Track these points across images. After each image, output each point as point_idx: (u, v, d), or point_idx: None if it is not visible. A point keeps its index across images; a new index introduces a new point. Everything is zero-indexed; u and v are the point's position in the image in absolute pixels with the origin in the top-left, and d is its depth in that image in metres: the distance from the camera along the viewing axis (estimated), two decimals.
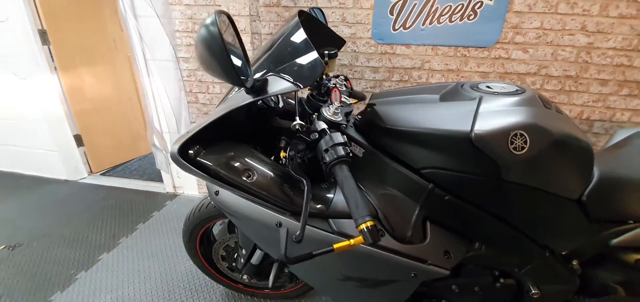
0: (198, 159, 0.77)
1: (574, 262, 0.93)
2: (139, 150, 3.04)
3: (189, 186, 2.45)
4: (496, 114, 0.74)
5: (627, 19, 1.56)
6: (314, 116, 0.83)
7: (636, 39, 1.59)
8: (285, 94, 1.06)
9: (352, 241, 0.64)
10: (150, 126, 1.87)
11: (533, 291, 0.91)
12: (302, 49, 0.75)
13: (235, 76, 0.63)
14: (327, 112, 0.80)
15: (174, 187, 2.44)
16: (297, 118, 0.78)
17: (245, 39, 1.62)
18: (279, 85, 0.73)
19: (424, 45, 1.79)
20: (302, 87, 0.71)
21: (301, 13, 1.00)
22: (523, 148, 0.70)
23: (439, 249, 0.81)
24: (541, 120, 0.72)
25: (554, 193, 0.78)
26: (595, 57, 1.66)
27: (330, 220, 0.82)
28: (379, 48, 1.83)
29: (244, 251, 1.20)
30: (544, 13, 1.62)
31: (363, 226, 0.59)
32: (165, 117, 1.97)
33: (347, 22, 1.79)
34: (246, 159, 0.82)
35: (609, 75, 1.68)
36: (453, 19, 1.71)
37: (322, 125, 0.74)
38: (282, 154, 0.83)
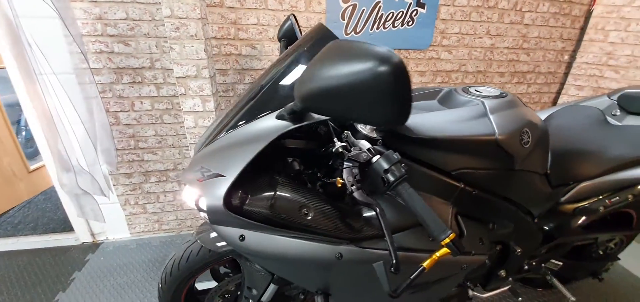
0: (245, 207, 0.68)
1: (535, 220, 1.18)
2: (17, 195, 2.24)
3: (114, 229, 1.96)
4: (505, 117, 0.86)
5: (515, 25, 2.03)
6: (345, 134, 0.77)
7: (521, 40, 2.09)
8: None
9: (437, 255, 0.64)
10: (58, 160, 1.39)
11: (518, 250, 1.11)
12: None
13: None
14: (364, 128, 0.77)
15: (92, 234, 1.91)
16: (337, 140, 0.73)
17: (198, 47, 1.38)
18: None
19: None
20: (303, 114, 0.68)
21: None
22: (528, 142, 0.85)
23: (475, 238, 0.90)
24: (534, 118, 0.89)
25: (537, 172, 0.97)
26: (496, 55, 2.10)
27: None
28: None
29: (254, 292, 1.05)
30: (461, 20, 1.95)
31: (447, 240, 0.59)
32: (80, 146, 1.50)
33: (300, 25, 1.74)
34: (298, 195, 0.74)
35: (505, 69, 2.16)
36: (395, 25, 1.88)
37: (366, 144, 0.71)
38: (339, 181, 0.75)
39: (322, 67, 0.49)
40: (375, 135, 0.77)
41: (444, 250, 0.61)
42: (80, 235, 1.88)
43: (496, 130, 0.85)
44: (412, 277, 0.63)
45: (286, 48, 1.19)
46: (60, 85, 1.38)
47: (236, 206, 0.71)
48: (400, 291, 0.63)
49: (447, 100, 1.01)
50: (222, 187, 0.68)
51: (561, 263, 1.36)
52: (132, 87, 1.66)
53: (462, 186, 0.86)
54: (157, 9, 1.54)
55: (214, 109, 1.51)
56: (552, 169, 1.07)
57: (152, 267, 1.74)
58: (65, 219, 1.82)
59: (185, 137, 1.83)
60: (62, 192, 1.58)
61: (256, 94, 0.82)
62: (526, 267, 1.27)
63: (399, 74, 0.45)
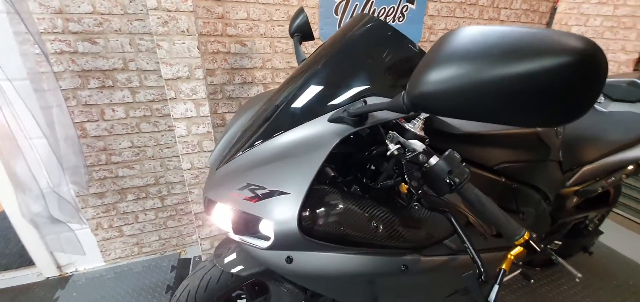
0: (317, 228, 0.61)
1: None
2: None
3: (85, 258, 1.67)
4: None
5: (493, 21, 2.14)
6: (392, 135, 0.71)
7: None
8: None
9: (512, 254, 0.61)
10: (17, 182, 1.13)
11: (534, 235, 1.15)
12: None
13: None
14: (414, 127, 0.72)
15: (58, 266, 1.61)
16: (391, 143, 0.66)
17: (191, 44, 1.22)
18: (384, 113, 0.63)
19: None
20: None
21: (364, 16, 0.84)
22: (561, 133, 0.87)
23: None
24: None
25: (558, 160, 1.01)
26: None
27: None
28: None
29: None
30: (447, 17, 2.00)
31: (522, 240, 0.57)
32: (44, 166, 1.24)
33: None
34: (366, 206, 0.67)
35: None
36: (387, 21, 1.86)
37: (419, 144, 0.65)
38: (404, 187, 0.68)
39: (464, 59, 0.38)
40: (423, 133, 0.72)
41: (519, 249, 0.59)
42: (43, 269, 1.57)
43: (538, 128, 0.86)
44: (498, 282, 0.60)
45: (300, 43, 1.09)
46: (15, 92, 1.12)
47: (307, 227, 0.62)
48: (495, 298, 0.59)
49: None
50: (292, 207, 0.60)
51: (561, 242, 1.45)
52: (102, 92, 1.42)
53: (503, 180, 0.86)
54: (131, 1, 1.33)
55: (208, 114, 1.35)
56: (563, 156, 1.12)
57: (136, 297, 1.52)
58: (21, 252, 1.52)
59: (170, 147, 1.62)
60: (22, 220, 1.29)
61: (300, 94, 0.73)
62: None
63: (602, 61, 0.33)
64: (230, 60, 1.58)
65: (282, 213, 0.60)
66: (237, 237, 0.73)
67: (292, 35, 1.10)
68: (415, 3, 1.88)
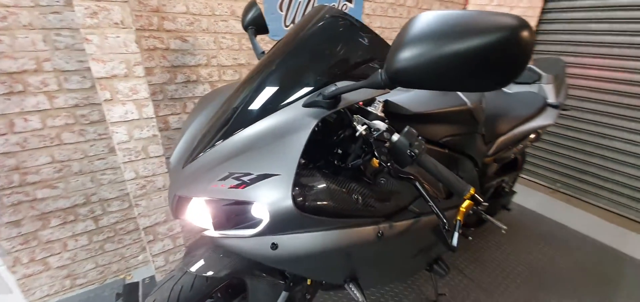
0: (307, 204, 0.64)
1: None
2: None
3: None
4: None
5: None
6: (357, 117, 0.77)
7: None
8: None
9: (463, 207, 0.71)
10: None
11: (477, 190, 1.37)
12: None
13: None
14: (375, 110, 0.80)
15: None
16: (359, 125, 0.72)
17: (127, 37, 1.09)
18: (357, 94, 0.68)
19: None
20: (391, 90, 0.67)
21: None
22: (484, 110, 1.05)
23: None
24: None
25: (482, 133, 1.21)
26: None
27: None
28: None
29: None
30: (381, 16, 2.19)
31: (470, 194, 0.69)
32: None
33: (237, 15, 1.60)
34: (345, 184, 0.72)
35: None
36: None
37: (382, 124, 0.72)
38: (375, 162, 0.74)
39: (428, 39, 0.45)
40: (382, 114, 0.80)
41: (468, 202, 0.70)
42: None
43: (467, 101, 1.02)
44: (457, 230, 0.70)
45: (255, 36, 1.08)
46: None
47: (299, 204, 0.64)
48: (457, 242, 0.68)
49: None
50: (284, 185, 0.61)
51: (487, 203, 1.72)
52: (9, 99, 1.18)
53: (446, 151, 1.00)
54: None
55: (153, 115, 1.23)
56: (485, 130, 1.34)
57: None
58: None
59: (102, 159, 1.42)
60: None
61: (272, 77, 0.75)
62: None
63: (530, 34, 0.42)
64: (170, 58, 1.46)
65: (274, 193, 0.61)
66: (217, 233, 0.70)
67: (245, 28, 1.09)
68: (353, 2, 2.01)
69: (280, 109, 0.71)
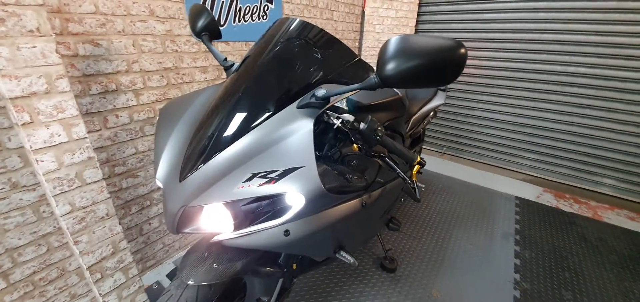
0: (328, 186, 0.77)
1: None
2: None
3: None
4: None
5: (330, 21, 2.67)
6: (330, 113, 0.92)
7: (334, 31, 2.77)
8: None
9: (415, 171, 0.96)
10: None
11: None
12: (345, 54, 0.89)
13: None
14: (342, 105, 0.97)
15: None
16: (335, 119, 0.87)
17: (45, 47, 0.92)
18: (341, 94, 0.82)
19: (239, 41, 1.93)
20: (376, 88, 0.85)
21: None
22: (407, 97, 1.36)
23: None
24: None
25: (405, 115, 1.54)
26: None
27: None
28: (202, 46, 1.72)
29: (266, 299, 0.99)
30: (298, 15, 2.35)
31: (418, 160, 0.94)
32: None
33: (157, 16, 1.49)
34: (339, 166, 0.86)
35: None
36: (253, 18, 1.99)
37: (351, 116, 0.88)
38: (355, 146, 0.89)
39: (409, 54, 0.63)
40: (346, 108, 0.99)
41: (417, 167, 0.95)
42: None
43: (399, 92, 1.29)
44: (415, 186, 0.94)
45: (210, 41, 1.08)
46: None
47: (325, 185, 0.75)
48: (420, 196, 0.93)
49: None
50: (312, 173, 0.71)
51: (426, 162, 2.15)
52: None
53: (389, 132, 1.25)
54: None
55: (86, 135, 1.07)
56: (406, 112, 1.68)
57: None
58: None
59: (3, 198, 1.14)
60: None
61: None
62: None
63: (464, 50, 0.64)
64: (80, 66, 1.25)
65: (306, 181, 0.71)
66: (235, 234, 0.75)
67: (198, 35, 1.07)
68: (273, 3, 2.10)
69: (275, 114, 0.79)
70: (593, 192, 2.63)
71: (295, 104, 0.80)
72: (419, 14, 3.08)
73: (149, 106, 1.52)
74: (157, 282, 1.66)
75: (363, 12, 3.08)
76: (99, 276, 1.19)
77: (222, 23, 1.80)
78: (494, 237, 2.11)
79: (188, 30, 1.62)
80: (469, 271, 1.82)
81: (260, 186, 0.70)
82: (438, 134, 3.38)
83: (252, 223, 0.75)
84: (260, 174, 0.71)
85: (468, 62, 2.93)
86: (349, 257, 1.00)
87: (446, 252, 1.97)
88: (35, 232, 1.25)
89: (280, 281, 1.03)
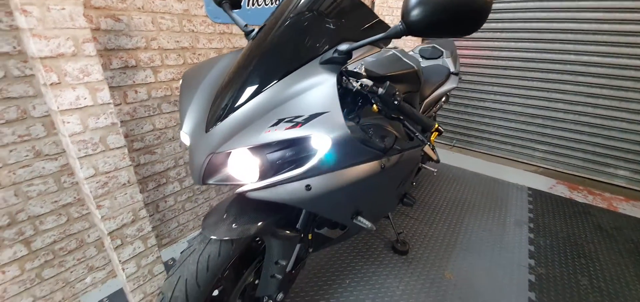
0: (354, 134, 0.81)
1: None
2: None
3: None
4: (410, 58, 1.35)
5: None
6: (349, 77, 0.94)
7: None
8: None
9: (433, 138, 0.97)
10: None
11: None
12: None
13: None
14: (360, 69, 0.99)
15: None
16: (355, 82, 0.89)
17: (73, 10, 0.95)
18: (362, 49, 0.82)
19: (254, 25, 1.95)
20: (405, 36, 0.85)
21: None
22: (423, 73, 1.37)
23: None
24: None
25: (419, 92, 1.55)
26: None
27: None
28: (217, 28, 1.74)
29: (283, 262, 1.00)
30: None
31: (436, 127, 0.95)
32: None
33: None
34: (371, 131, 0.90)
35: None
36: (267, 2, 2.01)
37: (370, 81, 0.90)
38: (375, 107, 0.89)
39: (430, 2, 0.62)
40: (365, 74, 1.00)
41: (436, 133, 0.96)
42: None
43: (414, 65, 1.29)
44: (434, 150, 0.95)
45: (231, 10, 1.10)
46: None
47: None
48: (438, 156, 0.94)
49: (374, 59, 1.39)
50: (337, 117, 0.72)
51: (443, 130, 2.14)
52: None
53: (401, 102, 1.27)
54: None
55: (110, 101, 1.09)
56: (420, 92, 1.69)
57: None
58: None
59: (27, 166, 1.17)
60: None
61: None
62: None
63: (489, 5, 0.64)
64: (102, 39, 1.28)
65: (332, 124, 0.72)
66: (261, 183, 0.76)
67: (219, 4, 1.09)
68: None
69: (297, 69, 0.81)
70: (607, 184, 2.59)
71: (317, 60, 0.81)
72: None
73: (167, 84, 1.54)
74: (173, 259, 1.68)
75: (373, 3, 3.09)
76: (119, 242, 1.20)
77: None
78: (506, 225, 2.10)
79: (204, 11, 1.64)
80: (482, 255, 1.81)
81: (286, 129, 0.71)
82: (447, 126, 3.37)
83: (276, 174, 0.77)
84: (287, 119, 0.72)
85: (477, 53, 2.94)
86: (367, 222, 1.00)
87: (458, 237, 1.95)
88: (56, 201, 1.27)
89: (298, 246, 1.04)
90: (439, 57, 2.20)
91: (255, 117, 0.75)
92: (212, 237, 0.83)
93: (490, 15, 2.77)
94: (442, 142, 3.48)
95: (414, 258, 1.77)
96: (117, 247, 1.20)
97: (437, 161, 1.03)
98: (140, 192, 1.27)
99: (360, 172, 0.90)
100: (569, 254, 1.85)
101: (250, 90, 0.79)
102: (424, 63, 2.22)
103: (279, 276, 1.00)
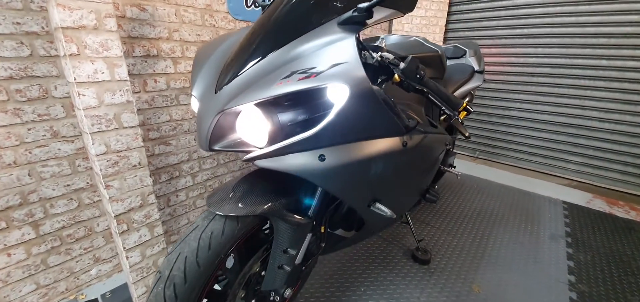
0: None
1: None
2: None
3: None
4: (433, 44, 1.28)
5: None
6: (369, 52, 0.89)
7: None
8: None
9: (462, 116, 0.89)
10: None
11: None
12: None
13: None
14: (383, 44, 0.93)
15: None
16: (374, 54, 0.83)
17: None
18: (383, 12, 0.77)
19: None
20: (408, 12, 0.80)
21: None
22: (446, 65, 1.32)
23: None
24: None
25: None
26: None
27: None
28: (238, 24, 1.76)
29: (292, 251, 0.91)
30: None
31: (464, 105, 0.87)
32: None
33: None
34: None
35: None
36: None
37: (390, 55, 0.85)
38: (397, 77, 0.83)
39: None
40: (386, 48, 0.94)
41: (464, 112, 0.88)
42: None
43: (438, 49, 1.23)
44: (463, 124, 0.87)
45: None
46: None
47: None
48: (469, 135, 0.85)
49: (395, 40, 1.33)
50: (355, 66, 0.66)
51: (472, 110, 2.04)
52: None
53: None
54: None
55: (127, 77, 1.08)
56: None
57: None
58: None
59: (43, 146, 1.16)
60: None
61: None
62: None
63: None
64: (127, 27, 1.30)
65: (350, 73, 0.66)
66: (269, 148, 0.71)
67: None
68: None
69: (314, 29, 0.76)
70: None
71: (335, 20, 0.76)
72: (449, 13, 3.05)
73: (186, 76, 1.55)
74: None
75: None
76: (125, 227, 1.16)
77: (259, 3, 1.85)
78: (541, 238, 1.91)
79: (226, 7, 1.67)
80: (513, 268, 1.64)
81: (299, 80, 0.65)
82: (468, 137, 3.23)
83: (286, 138, 0.70)
84: (301, 70, 0.66)
85: (501, 59, 2.84)
86: (386, 209, 0.91)
87: (486, 248, 1.79)
88: (68, 185, 1.25)
89: (309, 236, 0.94)
90: (461, 57, 2.13)
91: (268, 72, 0.70)
92: (218, 212, 0.77)
93: (515, 21, 2.69)
94: (465, 153, 3.32)
95: (436, 268, 1.62)
96: (122, 232, 1.15)
97: (468, 137, 0.94)
98: (153, 184, 1.24)
99: (380, 147, 0.82)
100: (614, 271, 1.64)
101: (264, 49, 0.75)
102: (448, 61, 2.15)
103: (288, 268, 0.91)
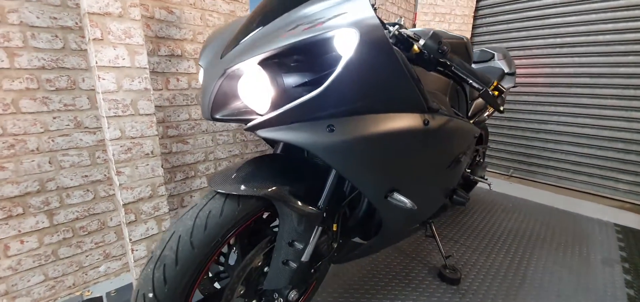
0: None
1: None
2: None
3: None
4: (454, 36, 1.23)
5: None
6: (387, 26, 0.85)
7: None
8: None
9: (494, 91, 0.80)
10: None
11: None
12: None
13: None
14: (400, 23, 0.88)
15: None
16: (394, 27, 0.81)
17: None
18: None
19: None
20: None
21: None
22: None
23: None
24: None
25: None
26: None
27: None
28: None
29: (299, 245, 0.82)
30: None
31: (494, 85, 0.78)
32: None
33: None
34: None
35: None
36: None
37: (409, 31, 0.81)
38: (416, 48, 0.78)
39: None
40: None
41: (496, 92, 0.79)
42: None
43: (463, 38, 1.16)
44: (498, 98, 0.77)
45: None
46: None
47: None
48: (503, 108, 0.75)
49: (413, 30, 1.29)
50: (364, 7, 0.60)
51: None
52: None
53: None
54: None
55: (146, 66, 1.10)
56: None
57: None
58: None
59: (66, 135, 1.19)
60: None
61: None
62: None
63: None
64: (154, 27, 1.36)
65: (359, 17, 0.59)
66: (271, 114, 0.65)
67: None
68: None
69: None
70: None
71: None
72: (474, 26, 2.98)
73: None
74: None
75: (414, 26, 3.08)
76: (133, 217, 1.13)
77: None
78: (591, 263, 1.66)
79: (248, 13, 1.72)
80: (561, 296, 1.41)
81: (304, 29, 0.60)
82: (502, 153, 3.01)
83: (290, 101, 0.64)
84: (307, 20, 0.61)
85: (534, 70, 2.68)
86: (405, 199, 0.80)
87: (526, 272, 1.57)
88: (86, 176, 1.27)
89: (319, 229, 0.84)
90: (489, 60, 2.03)
91: (280, 25, 0.66)
92: (218, 190, 0.72)
93: (547, 30, 2.56)
94: (498, 171, 3.08)
95: (468, 290, 1.43)
96: (130, 222, 1.12)
97: (502, 111, 0.83)
98: (168, 183, 1.22)
99: (397, 124, 0.74)
100: None
101: (272, 14, 0.71)
102: (474, 67, 2.06)
103: (293, 264, 0.81)
